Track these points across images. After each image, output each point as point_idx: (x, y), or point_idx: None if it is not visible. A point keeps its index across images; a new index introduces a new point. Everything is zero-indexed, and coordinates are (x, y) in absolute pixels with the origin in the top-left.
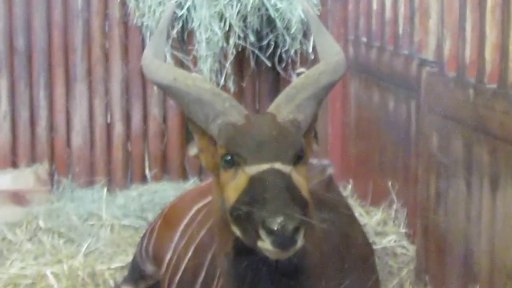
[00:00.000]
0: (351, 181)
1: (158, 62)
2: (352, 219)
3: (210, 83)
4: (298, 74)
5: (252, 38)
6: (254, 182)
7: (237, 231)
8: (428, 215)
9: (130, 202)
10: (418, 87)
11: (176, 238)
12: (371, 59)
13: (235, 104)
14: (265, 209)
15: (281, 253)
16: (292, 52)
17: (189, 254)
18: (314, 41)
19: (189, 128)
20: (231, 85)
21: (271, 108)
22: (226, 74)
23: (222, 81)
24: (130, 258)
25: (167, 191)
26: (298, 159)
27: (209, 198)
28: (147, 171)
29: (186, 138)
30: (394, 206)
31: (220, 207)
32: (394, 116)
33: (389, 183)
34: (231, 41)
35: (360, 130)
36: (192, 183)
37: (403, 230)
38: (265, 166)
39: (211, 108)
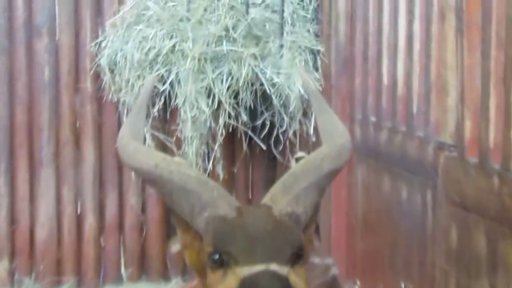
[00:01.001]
0: (358, 282)
1: (136, 145)
2: None
3: (196, 169)
4: (297, 160)
5: (244, 117)
6: (246, 285)
7: None
8: None
9: None
10: (435, 174)
11: None
12: (381, 141)
13: (225, 194)
14: None
15: None
16: (291, 133)
17: None
18: (315, 121)
19: (171, 221)
20: (220, 171)
21: (266, 199)
22: (214, 159)
23: (210, 167)
24: None
25: None
26: (297, 258)
27: None
28: (122, 270)
29: (168, 232)
30: None
31: None
32: (407, 207)
33: (402, 285)
34: (221, 120)
35: (368, 222)
36: (174, 285)
37: None
38: (259, 268)
39: (197, 199)
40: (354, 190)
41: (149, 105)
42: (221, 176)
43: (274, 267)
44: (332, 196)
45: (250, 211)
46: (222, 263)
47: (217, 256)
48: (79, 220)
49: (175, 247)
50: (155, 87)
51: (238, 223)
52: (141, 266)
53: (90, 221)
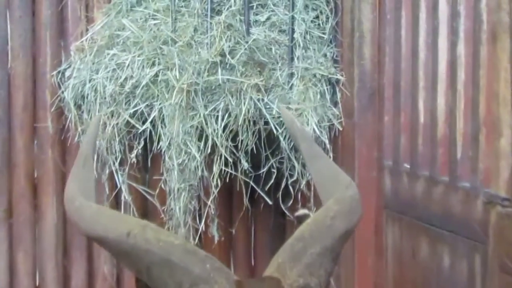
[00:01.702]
0: None
1: (96, 207)
2: None
3: (180, 237)
4: (299, 219)
5: (245, 164)
6: None
7: None
8: None
9: None
10: (485, 234)
11: None
12: (417, 194)
13: (219, 266)
14: None
15: None
16: (303, 184)
17: None
18: (308, 169)
19: None
20: (215, 233)
21: (271, 269)
22: (207, 217)
23: (202, 227)
24: None
25: None
26: None
27: None
28: None
29: None
30: None
31: None
32: (451, 277)
33: None
34: (215, 168)
35: None
36: None
37: None
38: None
39: (186, 274)
40: (383, 256)
41: (94, 154)
42: (216, 239)
43: None
44: (356, 266)
45: (256, 286)
46: None
47: None
48: None
49: None
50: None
51: None
52: None
53: None
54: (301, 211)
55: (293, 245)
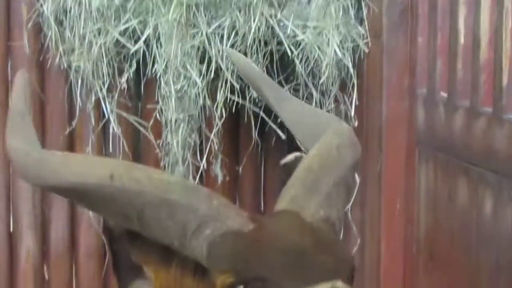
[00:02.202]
0: None
1: (61, 154)
2: None
3: (176, 175)
4: (289, 166)
5: (254, 91)
6: None
7: None
8: None
9: None
10: None
11: None
12: (455, 128)
13: (227, 202)
14: None
15: None
16: None
17: None
18: (278, 113)
19: (117, 264)
20: (218, 171)
21: (284, 203)
22: (210, 152)
23: (203, 164)
24: None
25: None
26: (352, 281)
27: None
28: None
29: (120, 274)
30: None
31: None
32: (494, 225)
33: None
34: (219, 96)
35: (436, 250)
36: None
37: None
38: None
39: (189, 212)
40: (415, 201)
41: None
42: (220, 179)
43: (340, 285)
44: (383, 212)
45: (273, 220)
46: None
47: None
48: (11, 242)
49: None
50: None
51: (263, 236)
52: None
53: (27, 244)
54: (291, 156)
55: (304, 177)
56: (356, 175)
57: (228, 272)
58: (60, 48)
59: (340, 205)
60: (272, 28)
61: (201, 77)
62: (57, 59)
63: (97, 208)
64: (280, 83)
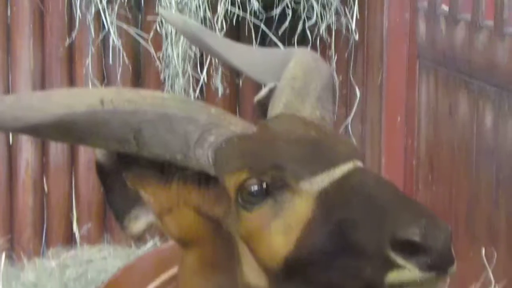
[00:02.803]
0: None
1: (40, 93)
2: None
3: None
4: (263, 102)
5: (255, 3)
6: (332, 198)
7: None
8: None
9: (45, 279)
10: None
11: None
12: (456, 42)
13: (225, 112)
14: (385, 221)
15: (439, 281)
16: (323, 28)
17: None
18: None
19: (112, 198)
20: (218, 84)
21: (279, 109)
22: (210, 65)
23: (203, 77)
24: None
25: (109, 261)
26: None
27: (173, 271)
28: (74, 227)
29: (116, 207)
30: None
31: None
32: (494, 139)
33: (483, 251)
34: (220, 8)
35: (436, 165)
36: (150, 248)
37: None
38: (343, 168)
39: (189, 123)
40: (415, 113)
41: None
42: (220, 92)
43: (361, 164)
44: (384, 126)
45: (275, 122)
46: (265, 192)
47: (255, 186)
48: (11, 155)
49: (138, 224)
50: None
51: (271, 134)
52: (101, 222)
53: (27, 156)
54: (264, 89)
55: (291, 84)
56: (357, 88)
57: (241, 169)
58: None
59: (329, 108)
60: None
61: None
62: None
63: (87, 139)
64: None
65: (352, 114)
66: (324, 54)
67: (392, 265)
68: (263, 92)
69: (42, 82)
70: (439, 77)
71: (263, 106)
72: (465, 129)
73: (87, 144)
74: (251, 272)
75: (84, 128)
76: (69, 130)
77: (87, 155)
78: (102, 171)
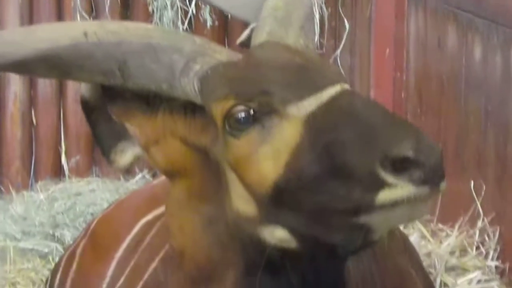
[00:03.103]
0: None
1: (23, 28)
2: (397, 241)
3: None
4: (244, 47)
5: None
6: (321, 121)
7: (292, 224)
8: None
9: (34, 212)
10: None
11: (110, 271)
12: None
13: (210, 41)
14: (375, 140)
15: (430, 194)
16: None
17: None
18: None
19: (98, 133)
20: (207, 16)
21: (263, 38)
22: None
23: (192, 9)
24: None
25: (97, 194)
26: None
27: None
28: (63, 160)
29: (102, 142)
30: (479, 223)
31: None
32: (482, 71)
33: (472, 184)
34: None
35: (425, 95)
36: (139, 181)
37: (493, 263)
38: (331, 91)
39: (174, 52)
40: (404, 47)
41: None
42: (209, 23)
43: (348, 87)
44: (372, 57)
45: (259, 49)
46: (252, 118)
47: (242, 113)
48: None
49: (125, 157)
50: None
51: (257, 60)
52: (90, 155)
53: (15, 89)
54: (246, 31)
55: (274, 14)
56: (346, 21)
57: (227, 96)
58: None
59: (312, 37)
60: None
61: None
62: None
63: (72, 73)
64: None
65: (341, 46)
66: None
67: (383, 184)
68: (245, 34)
69: (30, 15)
70: (428, 9)
71: (246, 44)
72: (454, 62)
73: (72, 78)
74: (239, 200)
75: (68, 62)
76: (54, 65)
77: (76, 87)
78: (87, 106)
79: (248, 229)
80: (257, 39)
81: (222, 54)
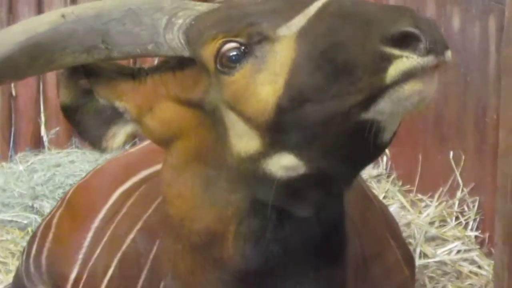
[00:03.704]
0: (386, 150)
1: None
2: (376, 212)
3: None
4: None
5: None
6: (312, 31)
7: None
8: None
9: (13, 183)
10: None
11: (87, 241)
12: None
13: None
14: (373, 27)
15: (437, 63)
16: None
17: (112, 268)
18: None
19: (84, 130)
20: None
21: None
22: None
23: None
24: (10, 277)
25: (77, 165)
26: None
27: (143, 173)
28: (43, 131)
29: (90, 136)
30: (459, 194)
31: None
32: (461, 41)
33: (451, 154)
34: None
35: None
36: (118, 152)
37: (473, 233)
38: (318, 3)
39: (155, 12)
40: None
41: None
42: None
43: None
44: None
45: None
46: (243, 53)
47: (233, 46)
48: None
49: (118, 138)
50: None
51: (238, 2)
52: (69, 126)
53: None
54: None
55: None
56: None
57: (215, 36)
58: None
59: None
60: None
61: None
62: None
63: (56, 59)
64: None
65: None
66: None
67: (390, 59)
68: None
69: (8, 19)
70: None
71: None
72: None
73: (57, 65)
74: (240, 140)
75: (50, 47)
76: (36, 54)
77: None
78: (68, 110)
79: (253, 169)
80: None
81: (202, 5)
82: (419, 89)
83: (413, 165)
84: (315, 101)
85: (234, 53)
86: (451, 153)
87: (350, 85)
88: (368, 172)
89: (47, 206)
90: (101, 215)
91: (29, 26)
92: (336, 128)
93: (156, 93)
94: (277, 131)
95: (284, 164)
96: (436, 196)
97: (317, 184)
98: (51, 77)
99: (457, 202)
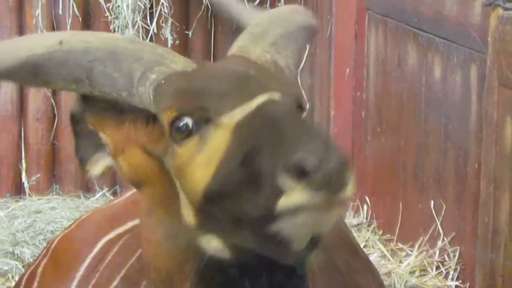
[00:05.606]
0: (367, 199)
1: (7, 41)
2: (361, 261)
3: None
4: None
5: None
6: (244, 129)
7: (217, 226)
8: (498, 258)
9: None
10: (483, 42)
11: None
12: None
13: (173, 51)
14: (283, 147)
15: (329, 201)
16: None
17: None
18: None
19: (79, 144)
20: (168, 35)
21: (233, 50)
22: (160, 16)
23: (153, 28)
24: None
25: (58, 212)
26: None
27: (128, 224)
28: (23, 177)
29: (80, 153)
30: (439, 243)
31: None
32: (442, 91)
33: (432, 204)
34: None
35: (384, 116)
36: (100, 199)
37: (453, 283)
38: (259, 99)
39: (134, 61)
40: (363, 65)
41: None
42: (170, 42)
43: (278, 97)
44: (332, 77)
45: (219, 62)
46: (192, 128)
47: (183, 122)
48: None
49: (97, 167)
50: None
51: (207, 71)
52: (50, 172)
53: None
54: None
55: (252, 31)
56: None
57: (171, 108)
58: None
59: (289, 55)
60: None
61: None
62: None
63: (51, 81)
64: None
65: (301, 66)
66: (274, 6)
67: (283, 189)
68: None
69: None
70: (388, 29)
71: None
72: (414, 81)
73: (52, 86)
74: (184, 209)
75: (45, 69)
76: (34, 73)
77: (36, 105)
78: (74, 118)
79: (193, 237)
80: (230, 50)
81: (178, 64)
82: (313, 221)
83: (394, 214)
84: (232, 198)
85: (184, 128)
86: (432, 202)
87: (255, 197)
88: (348, 221)
89: (27, 253)
90: (85, 264)
91: (31, 45)
92: (251, 230)
93: (129, 137)
94: (206, 214)
95: (212, 245)
96: (417, 245)
97: (246, 269)
98: (31, 123)
99: (437, 252)
